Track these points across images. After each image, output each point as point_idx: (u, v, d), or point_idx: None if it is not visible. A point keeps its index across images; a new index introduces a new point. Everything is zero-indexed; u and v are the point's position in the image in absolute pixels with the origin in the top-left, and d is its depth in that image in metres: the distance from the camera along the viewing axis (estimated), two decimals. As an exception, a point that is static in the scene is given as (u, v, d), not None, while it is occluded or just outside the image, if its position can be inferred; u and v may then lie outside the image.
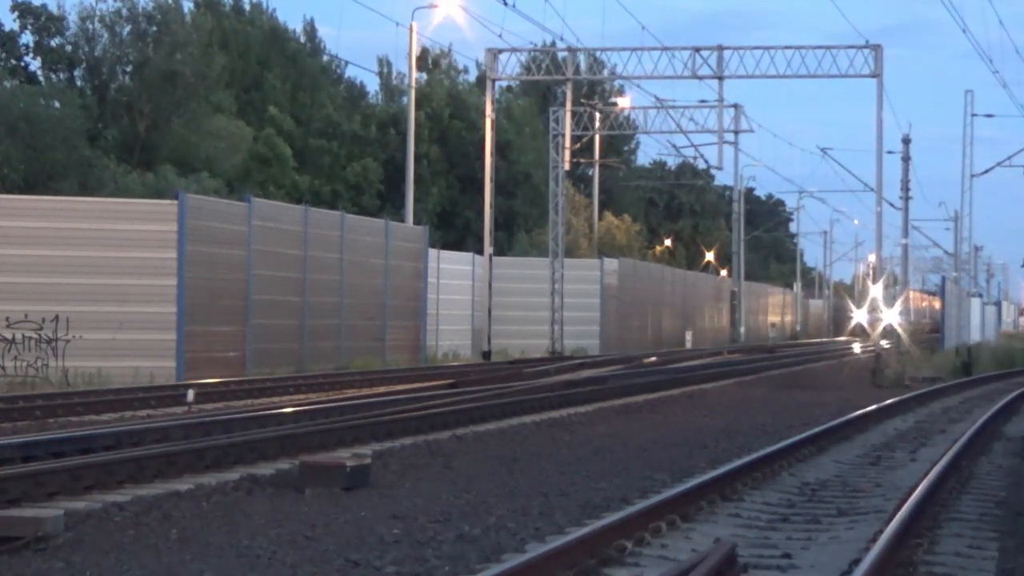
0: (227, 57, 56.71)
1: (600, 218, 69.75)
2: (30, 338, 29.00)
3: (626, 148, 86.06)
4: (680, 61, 44.11)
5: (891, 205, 52.74)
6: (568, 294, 49.46)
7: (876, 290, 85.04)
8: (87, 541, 10.63)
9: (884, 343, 58.68)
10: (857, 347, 68.68)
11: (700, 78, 44.58)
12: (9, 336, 28.95)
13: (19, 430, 18.25)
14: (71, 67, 53.55)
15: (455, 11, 48.95)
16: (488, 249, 45.93)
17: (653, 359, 44.22)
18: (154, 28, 52.63)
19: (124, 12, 52.68)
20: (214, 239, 31.01)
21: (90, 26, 52.83)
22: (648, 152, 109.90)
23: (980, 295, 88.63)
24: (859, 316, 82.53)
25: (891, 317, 67.95)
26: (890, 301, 71.72)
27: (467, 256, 49.57)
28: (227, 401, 24.25)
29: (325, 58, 68.51)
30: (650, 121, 52.02)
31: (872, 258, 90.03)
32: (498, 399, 23.93)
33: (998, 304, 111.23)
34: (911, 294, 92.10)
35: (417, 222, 46.66)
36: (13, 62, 53.09)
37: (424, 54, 64.55)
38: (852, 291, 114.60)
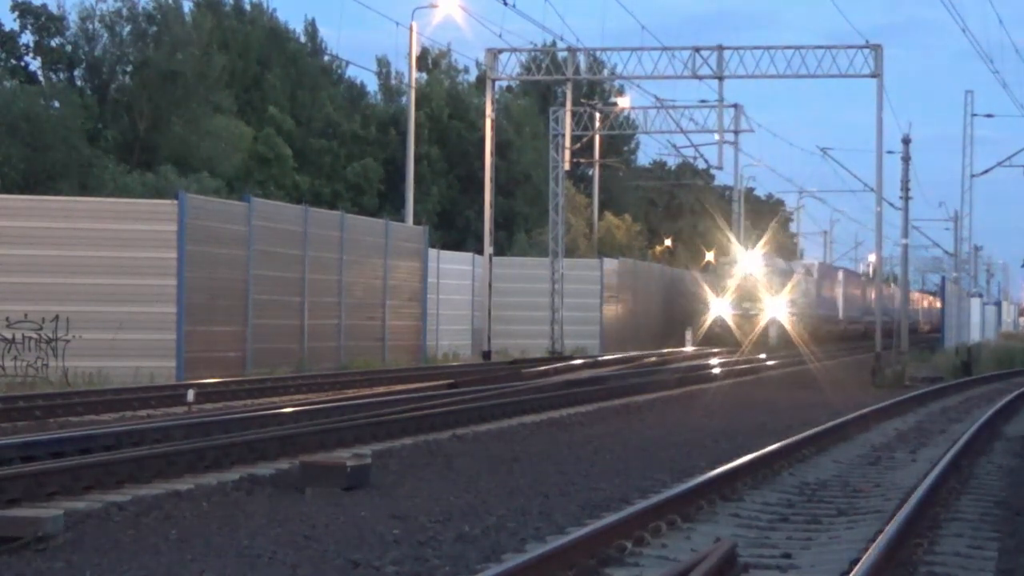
0: (227, 57, 56.70)
1: (600, 218, 69.73)
2: (30, 338, 29.01)
3: (626, 148, 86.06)
4: (680, 61, 44.11)
5: (891, 205, 52.66)
6: (568, 294, 49.44)
7: (751, 263, 53.49)
8: (87, 541, 10.63)
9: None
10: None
11: (700, 78, 44.56)
12: (9, 336, 28.95)
13: (19, 430, 18.26)
14: (71, 67, 53.55)
15: (455, 11, 48.97)
16: (488, 249, 45.91)
17: (653, 359, 44.20)
18: (154, 28, 52.64)
19: (124, 12, 52.72)
20: (214, 239, 31.01)
21: (90, 26, 52.86)
22: (648, 152, 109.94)
23: (980, 295, 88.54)
24: (719, 308, 52.95)
25: (776, 310, 49.94)
26: (775, 282, 52.12)
27: (467, 256, 49.57)
28: (227, 401, 24.26)
29: (325, 58, 68.53)
30: (650, 121, 52.07)
31: (872, 258, 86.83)
32: (498, 399, 23.95)
33: (998, 304, 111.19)
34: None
35: (417, 222, 46.67)
36: (13, 62, 53.08)
37: (424, 54, 64.52)
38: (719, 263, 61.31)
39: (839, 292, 69.33)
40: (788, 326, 48.55)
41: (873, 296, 77.78)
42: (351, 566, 9.79)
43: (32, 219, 29.65)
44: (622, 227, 72.42)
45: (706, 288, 55.26)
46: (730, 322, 52.92)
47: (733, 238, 57.38)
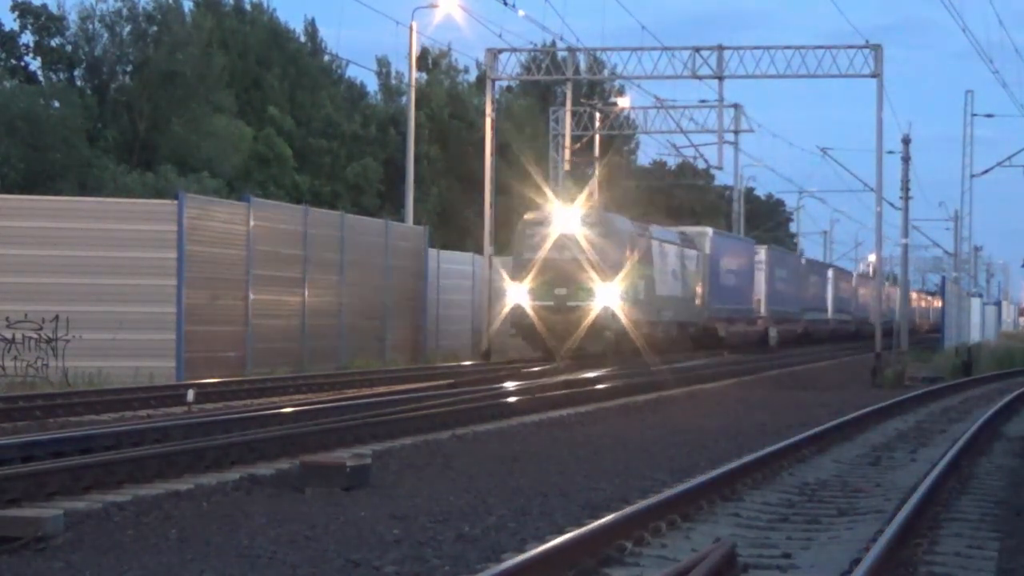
0: (227, 57, 56.70)
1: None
2: (30, 338, 28.99)
3: (626, 148, 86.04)
4: (680, 61, 44.10)
5: (891, 205, 52.68)
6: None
7: (569, 224, 35.23)
8: (87, 541, 10.63)
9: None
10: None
11: (700, 78, 44.57)
12: (9, 336, 28.93)
13: (19, 430, 18.25)
14: (71, 67, 53.55)
15: (455, 11, 48.92)
16: (488, 249, 45.88)
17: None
18: (154, 28, 52.65)
19: (124, 12, 52.73)
20: (214, 239, 31.00)
21: (90, 26, 52.86)
22: (648, 152, 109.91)
23: (980, 295, 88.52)
24: (516, 295, 36.27)
25: (608, 297, 34.19)
26: (613, 256, 35.39)
27: (467, 256, 49.54)
28: (227, 401, 24.24)
29: (325, 58, 68.51)
30: (650, 121, 52.13)
31: (872, 258, 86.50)
32: (498, 399, 23.94)
33: (998, 304, 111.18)
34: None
35: (417, 222, 46.65)
36: (13, 62, 53.09)
37: (424, 54, 64.51)
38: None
39: (760, 278, 53.99)
40: (626, 323, 33.67)
41: (830, 289, 76.34)
42: (351, 566, 9.79)
43: (32, 219, 29.63)
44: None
45: (500, 268, 38.43)
46: (534, 318, 35.89)
47: (548, 189, 38.60)
